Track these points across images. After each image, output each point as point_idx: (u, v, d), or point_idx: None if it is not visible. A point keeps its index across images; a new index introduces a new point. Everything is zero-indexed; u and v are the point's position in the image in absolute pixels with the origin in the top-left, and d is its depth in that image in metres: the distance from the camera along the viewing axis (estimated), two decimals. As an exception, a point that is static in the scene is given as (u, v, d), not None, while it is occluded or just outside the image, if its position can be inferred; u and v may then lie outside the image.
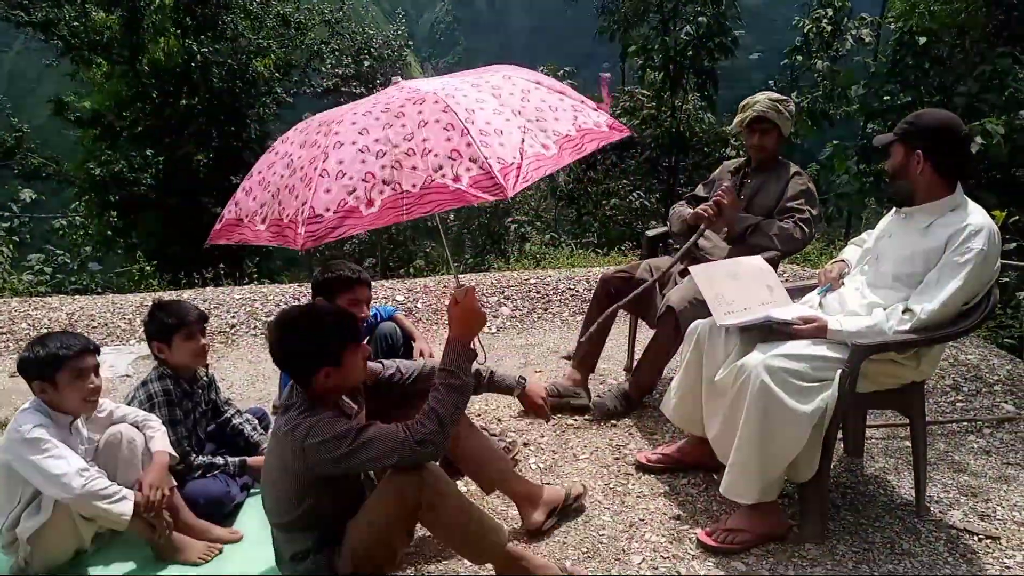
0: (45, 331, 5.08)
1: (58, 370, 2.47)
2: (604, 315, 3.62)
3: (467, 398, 2.28)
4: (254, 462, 3.03)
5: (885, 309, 2.64)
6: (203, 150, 15.97)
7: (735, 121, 3.82)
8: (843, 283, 2.93)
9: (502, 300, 5.78)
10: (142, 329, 3.09)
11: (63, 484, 2.35)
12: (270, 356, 2.32)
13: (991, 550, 2.65)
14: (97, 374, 2.59)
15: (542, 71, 12.28)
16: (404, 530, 2.29)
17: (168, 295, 6.07)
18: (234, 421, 3.18)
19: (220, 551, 2.68)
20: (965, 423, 3.66)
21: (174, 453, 2.73)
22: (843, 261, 3.07)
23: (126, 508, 2.43)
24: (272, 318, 2.29)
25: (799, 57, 11.33)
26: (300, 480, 2.19)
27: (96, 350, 2.61)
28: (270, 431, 2.34)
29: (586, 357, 3.85)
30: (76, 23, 15.53)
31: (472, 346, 2.28)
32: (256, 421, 3.26)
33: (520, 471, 3.16)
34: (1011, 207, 6.31)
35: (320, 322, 2.23)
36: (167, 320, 2.89)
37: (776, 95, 3.74)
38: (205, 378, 3.11)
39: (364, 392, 2.58)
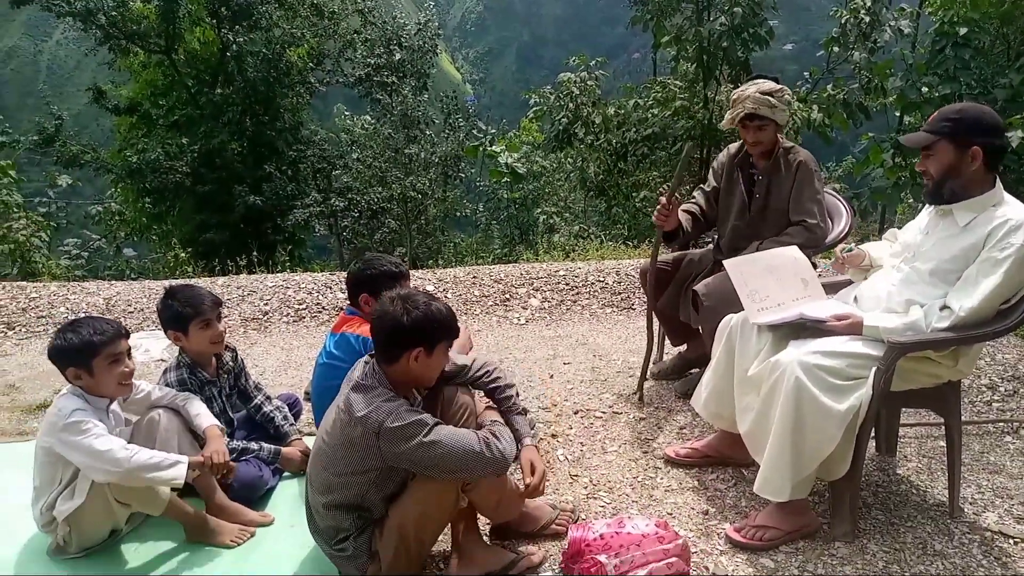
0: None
1: (94, 356, 2.50)
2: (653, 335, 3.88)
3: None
4: (288, 453, 3.07)
5: (922, 306, 2.60)
6: (237, 139, 16.16)
7: (727, 118, 3.60)
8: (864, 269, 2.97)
9: (531, 291, 5.78)
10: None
11: (112, 459, 2.37)
12: (374, 326, 2.31)
13: (1027, 553, 2.61)
14: (130, 356, 2.63)
15: (573, 62, 12.24)
16: (453, 502, 2.31)
17: (202, 282, 6.15)
18: (264, 408, 3.19)
19: (252, 534, 2.72)
20: (1001, 423, 3.60)
21: (222, 425, 2.78)
22: (863, 251, 3.03)
23: (179, 471, 2.45)
24: (396, 292, 2.33)
25: (836, 48, 11.12)
26: (365, 461, 2.22)
27: (127, 333, 2.64)
28: (335, 405, 2.34)
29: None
30: (115, 12, 15.77)
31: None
32: (287, 409, 3.29)
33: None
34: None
35: (438, 308, 2.30)
36: (182, 309, 2.89)
37: (768, 84, 3.51)
38: (231, 363, 3.12)
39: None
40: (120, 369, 2.57)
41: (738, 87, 3.63)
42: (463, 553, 2.45)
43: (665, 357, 4.21)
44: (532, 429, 2.71)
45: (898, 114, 12.04)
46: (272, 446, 3.06)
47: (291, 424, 3.24)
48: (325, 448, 2.31)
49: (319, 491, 2.35)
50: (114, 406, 2.66)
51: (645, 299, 5.23)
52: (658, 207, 3.62)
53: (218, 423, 2.76)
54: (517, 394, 2.61)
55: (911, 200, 12.07)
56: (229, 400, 3.09)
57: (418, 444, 2.14)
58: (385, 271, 3.03)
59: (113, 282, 6.44)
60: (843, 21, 10.74)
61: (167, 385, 2.89)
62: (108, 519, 2.57)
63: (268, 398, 3.25)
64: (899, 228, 3.08)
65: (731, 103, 3.59)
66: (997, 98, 9.69)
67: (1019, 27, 11.24)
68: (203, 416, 2.75)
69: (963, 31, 10.06)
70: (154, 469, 2.43)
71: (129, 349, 2.64)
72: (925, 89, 10.26)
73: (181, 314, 2.89)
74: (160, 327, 3.12)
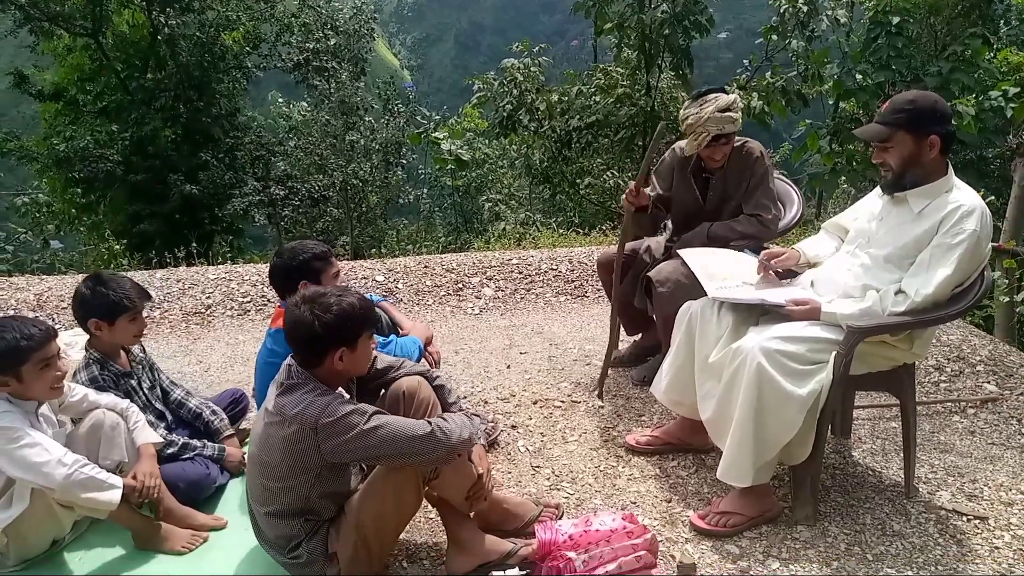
0: (12, 313, 4.93)
1: (22, 363, 2.32)
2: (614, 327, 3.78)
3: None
4: (232, 454, 2.94)
5: (878, 291, 2.63)
6: (171, 125, 15.60)
7: (690, 144, 3.47)
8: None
9: (485, 280, 5.72)
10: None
11: (45, 474, 2.24)
12: (287, 334, 2.22)
13: (980, 530, 2.68)
14: (60, 358, 2.46)
15: (517, 48, 12.18)
16: (414, 499, 2.27)
17: (139, 275, 5.89)
18: (189, 404, 3.02)
19: (205, 539, 2.60)
20: (950, 403, 3.70)
21: (160, 440, 2.64)
22: (796, 251, 3.07)
23: (114, 496, 2.34)
24: (300, 295, 2.24)
25: (774, 37, 11.31)
26: (303, 461, 2.14)
27: (55, 334, 2.46)
28: (263, 412, 2.24)
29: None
30: (35, -8, 15.02)
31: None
32: (215, 405, 3.11)
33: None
34: (980, 187, 6.38)
35: (349, 303, 2.20)
36: (116, 299, 2.70)
37: (722, 99, 3.37)
38: (141, 353, 2.95)
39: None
40: (52, 373, 2.39)
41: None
42: (461, 544, 2.40)
43: (621, 345, 4.20)
44: (481, 427, 2.72)
45: (831, 101, 12.34)
46: (217, 444, 2.92)
47: (221, 420, 3.06)
48: (259, 455, 2.22)
49: (259, 501, 2.27)
50: (44, 408, 2.48)
51: (600, 287, 5.25)
52: (627, 191, 3.60)
53: (155, 439, 2.62)
54: (458, 400, 2.58)
55: (846, 185, 12.41)
56: (152, 392, 2.91)
57: (359, 433, 2.08)
58: (315, 253, 2.92)
59: (44, 276, 6.13)
60: (782, 10, 10.93)
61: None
62: (52, 527, 2.44)
63: (188, 393, 3.07)
64: (833, 215, 3.11)
65: (685, 127, 3.45)
66: (928, 86, 10.00)
67: (944, 18, 11.62)
68: (140, 430, 2.61)
69: (896, 20, 10.35)
70: (91, 489, 2.30)
71: (59, 350, 2.47)
72: (860, 77, 10.53)
73: (116, 304, 2.70)
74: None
